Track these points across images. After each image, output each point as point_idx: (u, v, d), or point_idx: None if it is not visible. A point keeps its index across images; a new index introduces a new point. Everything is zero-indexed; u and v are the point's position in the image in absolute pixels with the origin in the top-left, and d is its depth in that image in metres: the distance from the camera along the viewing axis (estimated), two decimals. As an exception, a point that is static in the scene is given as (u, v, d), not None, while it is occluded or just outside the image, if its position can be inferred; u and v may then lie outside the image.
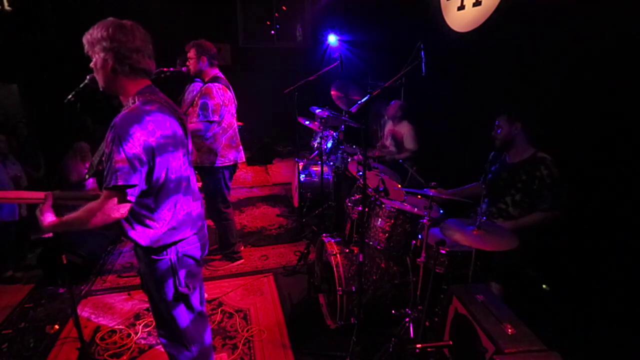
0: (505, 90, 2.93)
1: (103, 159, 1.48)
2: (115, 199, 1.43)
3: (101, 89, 1.58)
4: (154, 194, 1.53)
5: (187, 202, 1.66)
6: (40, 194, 1.59)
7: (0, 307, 2.90)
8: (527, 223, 2.30)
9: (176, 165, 1.58)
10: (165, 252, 1.61)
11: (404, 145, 4.08)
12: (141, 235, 1.56)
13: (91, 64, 1.52)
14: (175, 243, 1.62)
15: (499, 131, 2.43)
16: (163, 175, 1.53)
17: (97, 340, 2.53)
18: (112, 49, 1.44)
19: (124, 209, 1.45)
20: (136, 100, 1.51)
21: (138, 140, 1.42)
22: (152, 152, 1.47)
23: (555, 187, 2.22)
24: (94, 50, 1.47)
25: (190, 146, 1.75)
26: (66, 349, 2.48)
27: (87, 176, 3.38)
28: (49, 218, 1.57)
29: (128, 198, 1.43)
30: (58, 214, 1.59)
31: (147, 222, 1.55)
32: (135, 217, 1.54)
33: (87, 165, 3.91)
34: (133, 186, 1.43)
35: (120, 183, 1.39)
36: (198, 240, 1.72)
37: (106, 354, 2.42)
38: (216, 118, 2.96)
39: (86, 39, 1.48)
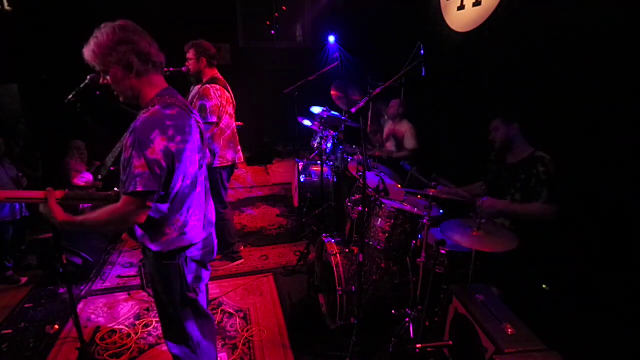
0: (505, 90, 2.93)
1: (122, 161, 1.45)
2: (135, 205, 1.40)
3: (122, 100, 1.53)
4: (169, 199, 1.52)
5: (199, 207, 1.64)
6: (40, 194, 1.54)
7: (0, 307, 2.90)
8: (525, 210, 2.28)
9: (192, 170, 1.56)
10: (174, 257, 1.59)
11: (403, 144, 4.08)
12: (153, 240, 1.55)
13: (107, 80, 1.46)
14: (185, 248, 1.60)
15: (496, 134, 2.43)
16: (180, 180, 1.51)
17: (97, 340, 2.53)
18: (133, 50, 1.41)
19: (142, 215, 1.44)
20: (156, 103, 1.47)
21: (159, 145, 1.39)
22: (172, 158, 1.44)
23: (550, 183, 2.22)
24: (109, 61, 1.41)
25: (205, 150, 1.73)
26: (66, 349, 2.48)
27: (99, 176, 3.38)
28: (62, 215, 1.49)
29: (147, 204, 1.41)
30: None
31: (160, 227, 1.54)
32: (148, 221, 1.50)
33: (79, 162, 3.91)
34: (153, 192, 1.40)
35: (139, 189, 1.36)
36: (207, 245, 1.72)
37: (106, 354, 2.42)
38: (214, 119, 2.95)
39: (93, 52, 1.41)
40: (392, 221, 2.47)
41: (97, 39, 1.40)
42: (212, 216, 1.78)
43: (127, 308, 2.86)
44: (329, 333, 2.57)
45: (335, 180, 3.96)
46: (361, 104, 2.00)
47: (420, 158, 3.99)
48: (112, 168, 2.25)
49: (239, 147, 3.26)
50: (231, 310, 2.83)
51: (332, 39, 6.30)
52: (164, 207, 1.52)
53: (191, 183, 1.57)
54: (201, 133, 1.66)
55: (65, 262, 2.10)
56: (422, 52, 2.22)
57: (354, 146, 3.97)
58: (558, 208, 2.22)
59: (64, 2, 5.07)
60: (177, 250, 1.58)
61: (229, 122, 3.13)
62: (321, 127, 3.82)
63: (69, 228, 1.53)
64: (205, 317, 1.81)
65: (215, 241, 1.82)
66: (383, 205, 2.50)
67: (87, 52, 1.42)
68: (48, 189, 1.51)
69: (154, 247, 1.56)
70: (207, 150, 2.97)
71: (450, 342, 2.06)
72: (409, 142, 4.01)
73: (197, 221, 1.63)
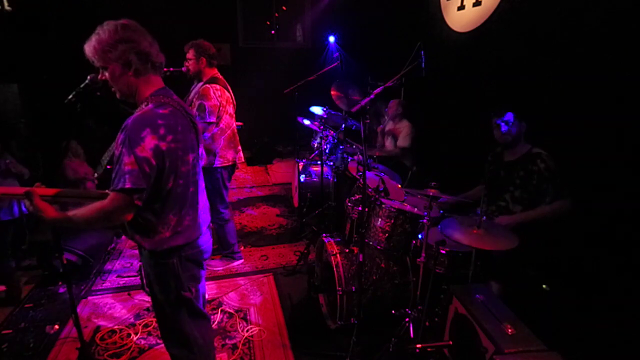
0: (505, 89, 2.93)
1: (114, 159, 1.45)
2: (122, 202, 1.40)
3: (119, 97, 1.54)
4: (161, 198, 1.52)
5: (193, 207, 1.65)
6: (20, 190, 1.50)
7: (0, 307, 2.89)
8: (536, 216, 2.27)
9: (185, 170, 1.56)
10: (169, 256, 1.59)
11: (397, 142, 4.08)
12: (146, 238, 1.55)
13: (105, 75, 1.47)
14: (179, 247, 1.61)
15: (513, 130, 2.34)
16: (171, 180, 1.51)
17: (97, 340, 2.53)
18: (133, 49, 1.42)
19: (130, 213, 1.43)
20: (149, 102, 1.48)
21: (149, 144, 1.40)
22: (162, 157, 1.44)
23: (554, 179, 2.23)
24: (109, 58, 1.43)
25: (201, 150, 1.73)
26: (66, 349, 2.48)
27: (96, 174, 3.38)
28: (50, 212, 1.45)
29: (135, 202, 1.41)
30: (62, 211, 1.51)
31: (153, 225, 1.54)
32: (141, 220, 1.52)
33: (76, 162, 3.89)
34: (141, 190, 1.40)
35: (128, 186, 1.37)
36: (202, 244, 1.72)
37: (106, 354, 2.42)
38: (213, 119, 2.95)
39: (94, 48, 1.42)
40: (392, 221, 2.48)
41: (99, 35, 1.42)
42: (207, 216, 1.79)
43: (127, 308, 2.86)
44: (329, 333, 2.57)
45: (335, 180, 3.96)
46: (361, 104, 2.01)
47: (420, 158, 4.00)
48: (108, 167, 2.25)
49: (239, 147, 3.26)
50: (231, 310, 2.83)
51: (332, 39, 6.31)
52: (156, 205, 1.52)
53: (184, 182, 1.57)
54: (196, 133, 1.67)
55: (65, 262, 2.10)
56: (422, 52, 2.22)
57: (354, 146, 3.97)
58: (571, 201, 2.21)
59: (64, 2, 5.08)
60: (171, 249, 1.59)
61: (229, 122, 3.12)
62: (321, 127, 3.82)
63: (57, 225, 1.52)
64: (203, 317, 1.81)
65: (211, 240, 1.82)
66: (383, 205, 2.50)
67: (88, 47, 1.44)
68: (35, 184, 1.50)
69: (148, 246, 1.56)
70: (203, 151, 2.96)
71: (450, 342, 2.06)
72: (402, 141, 4.00)
73: (191, 221, 1.63)
